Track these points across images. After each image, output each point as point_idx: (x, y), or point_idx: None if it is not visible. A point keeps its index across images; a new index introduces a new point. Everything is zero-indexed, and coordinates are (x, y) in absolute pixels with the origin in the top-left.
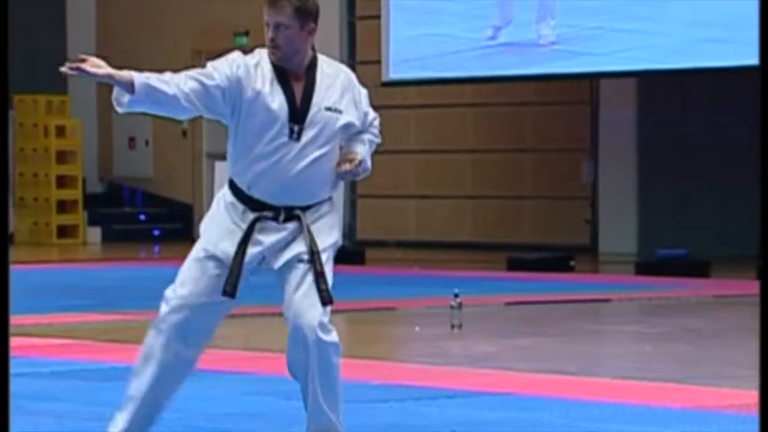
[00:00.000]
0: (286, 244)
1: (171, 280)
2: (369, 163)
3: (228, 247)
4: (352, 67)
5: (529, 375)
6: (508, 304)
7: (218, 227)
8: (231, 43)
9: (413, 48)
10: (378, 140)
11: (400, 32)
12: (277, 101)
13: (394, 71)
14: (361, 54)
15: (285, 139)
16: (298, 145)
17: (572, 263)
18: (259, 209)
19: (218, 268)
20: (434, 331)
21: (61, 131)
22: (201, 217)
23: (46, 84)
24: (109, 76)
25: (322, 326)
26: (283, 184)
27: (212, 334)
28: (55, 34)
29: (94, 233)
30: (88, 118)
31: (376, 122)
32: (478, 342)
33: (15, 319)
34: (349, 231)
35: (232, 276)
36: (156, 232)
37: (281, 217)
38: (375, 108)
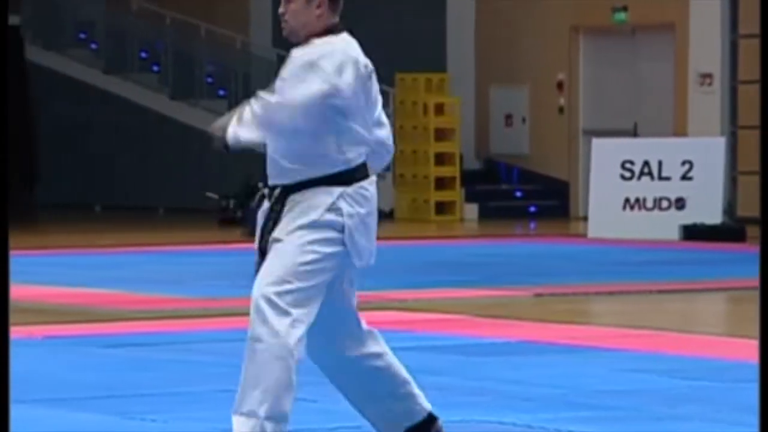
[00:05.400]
0: None
1: (547, 256)
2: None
3: None
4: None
5: None
6: None
7: None
8: (609, 20)
9: None
10: (258, 110)
11: None
12: None
13: None
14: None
15: None
16: None
17: None
18: None
19: None
20: None
21: (439, 109)
22: (578, 195)
23: (425, 62)
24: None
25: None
26: None
27: None
28: (436, 14)
29: (471, 210)
30: (465, 96)
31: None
32: None
33: (396, 294)
34: (729, 208)
35: None
36: (532, 209)
37: None
38: None
